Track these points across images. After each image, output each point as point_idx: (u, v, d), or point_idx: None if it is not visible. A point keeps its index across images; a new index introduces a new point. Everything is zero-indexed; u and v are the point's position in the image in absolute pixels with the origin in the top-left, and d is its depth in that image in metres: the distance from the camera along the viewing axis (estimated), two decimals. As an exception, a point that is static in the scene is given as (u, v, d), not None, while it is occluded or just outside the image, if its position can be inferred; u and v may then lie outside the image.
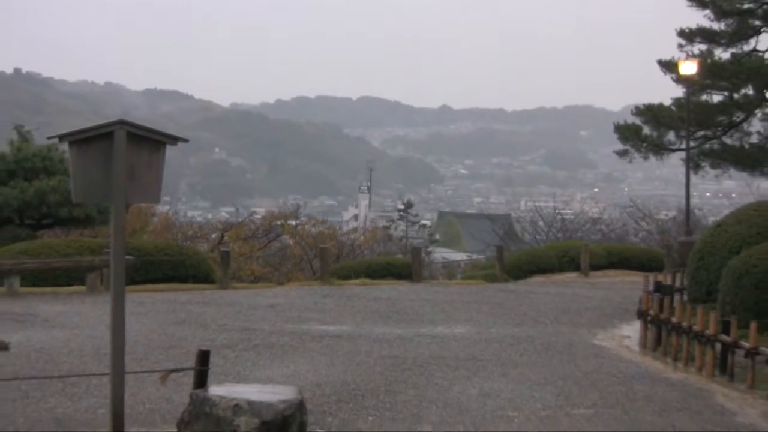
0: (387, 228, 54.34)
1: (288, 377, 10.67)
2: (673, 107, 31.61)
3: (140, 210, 32.35)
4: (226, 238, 34.94)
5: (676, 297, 16.20)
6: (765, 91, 30.06)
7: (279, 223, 39.10)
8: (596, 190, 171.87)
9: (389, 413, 9.15)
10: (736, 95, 30.58)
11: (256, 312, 17.19)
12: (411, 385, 10.47)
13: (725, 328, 11.49)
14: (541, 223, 44.54)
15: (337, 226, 47.96)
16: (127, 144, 6.91)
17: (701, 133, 31.58)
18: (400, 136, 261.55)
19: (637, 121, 32.59)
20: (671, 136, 32.34)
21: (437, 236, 61.20)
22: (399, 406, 9.46)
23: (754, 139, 31.66)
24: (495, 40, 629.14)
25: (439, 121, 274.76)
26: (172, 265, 22.57)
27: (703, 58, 29.87)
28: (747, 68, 29.21)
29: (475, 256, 48.75)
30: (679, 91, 31.40)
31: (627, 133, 32.59)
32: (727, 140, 31.74)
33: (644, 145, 32.41)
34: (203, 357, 7.34)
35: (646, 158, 33.46)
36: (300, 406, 7.12)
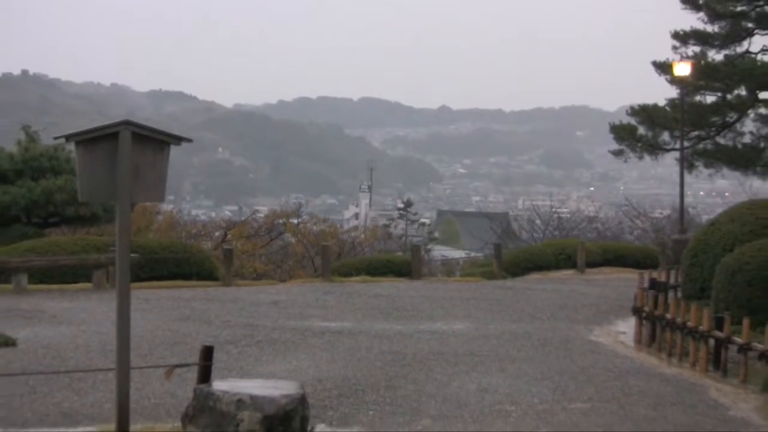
0: (387, 226, 54.29)
1: (290, 372, 10.67)
2: (667, 108, 31.62)
3: (145, 209, 32.34)
4: (229, 236, 34.95)
5: (671, 294, 16.21)
6: (758, 92, 30.06)
7: (281, 221, 39.11)
8: (592, 189, 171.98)
9: (389, 407, 9.15)
10: (729, 96, 30.60)
11: (259, 309, 17.19)
12: (411, 380, 10.48)
13: (718, 325, 11.50)
14: (538, 222, 44.54)
15: (338, 225, 47.97)
16: (132, 144, 6.91)
17: (695, 133, 31.59)
18: (400, 137, 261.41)
19: (633, 121, 32.60)
20: (666, 136, 32.36)
21: (436, 234, 61.18)
22: (399, 400, 9.46)
23: (747, 139, 31.68)
24: (493, 42, 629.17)
25: (439, 121, 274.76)
26: (177, 263, 22.58)
27: (697, 60, 29.88)
28: (740, 70, 29.22)
29: (473, 254, 48.81)
30: (673, 92, 31.45)
31: (622, 133, 32.60)
32: (721, 140, 31.76)
33: (639, 145, 32.43)
34: (207, 353, 7.34)
35: (641, 158, 33.48)
36: (302, 401, 7.12)
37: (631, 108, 32.71)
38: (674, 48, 31.12)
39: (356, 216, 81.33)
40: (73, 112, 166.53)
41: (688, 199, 34.03)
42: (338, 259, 29.96)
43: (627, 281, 21.65)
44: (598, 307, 18.09)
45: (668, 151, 32.55)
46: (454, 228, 72.20)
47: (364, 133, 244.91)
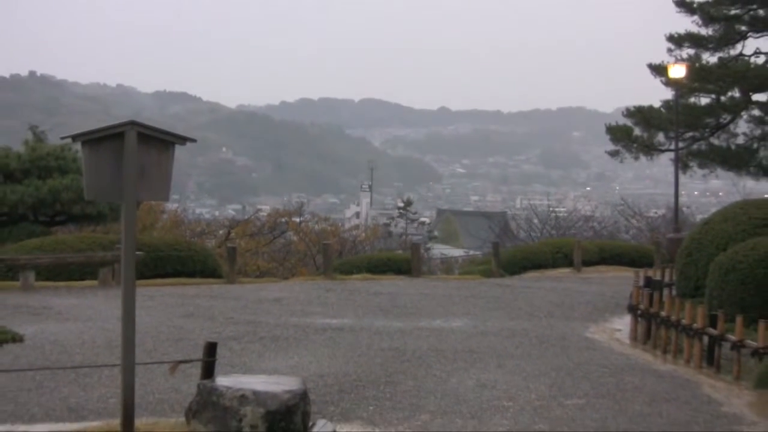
0: (387, 225, 54.19)
1: (292, 368, 10.67)
2: (662, 109, 31.65)
3: (150, 207, 32.31)
4: (232, 234, 34.93)
5: (665, 292, 16.21)
6: (751, 93, 30.10)
7: (284, 220, 39.08)
8: (589, 188, 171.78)
9: (389, 403, 9.15)
10: (723, 98, 30.64)
11: (262, 306, 17.19)
12: (410, 376, 10.48)
13: (712, 322, 11.50)
14: (535, 221, 44.48)
15: (339, 223, 47.86)
16: (138, 144, 6.90)
17: (689, 134, 31.62)
18: (400, 137, 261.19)
19: (628, 122, 32.63)
20: (661, 137, 32.39)
21: (436, 233, 61.09)
22: (399, 396, 9.46)
23: (740, 140, 31.72)
24: (492, 45, 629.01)
25: (438, 122, 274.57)
26: (181, 261, 22.58)
27: (692, 62, 29.90)
28: (733, 72, 29.24)
29: (472, 252, 48.74)
30: (668, 94, 31.48)
31: (618, 134, 32.63)
32: (715, 141, 31.79)
33: (635, 145, 32.45)
34: (210, 349, 7.34)
35: (636, 158, 33.52)
36: (303, 397, 7.12)
37: (627, 109, 32.74)
38: (669, 50, 31.17)
39: (357, 215, 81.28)
40: (79, 113, 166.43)
41: (682, 199, 34.04)
42: (339, 257, 29.97)
43: (623, 279, 21.64)
44: (595, 305, 18.09)
45: (663, 151, 32.58)
46: (453, 227, 72.08)
47: (364, 134, 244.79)
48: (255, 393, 6.83)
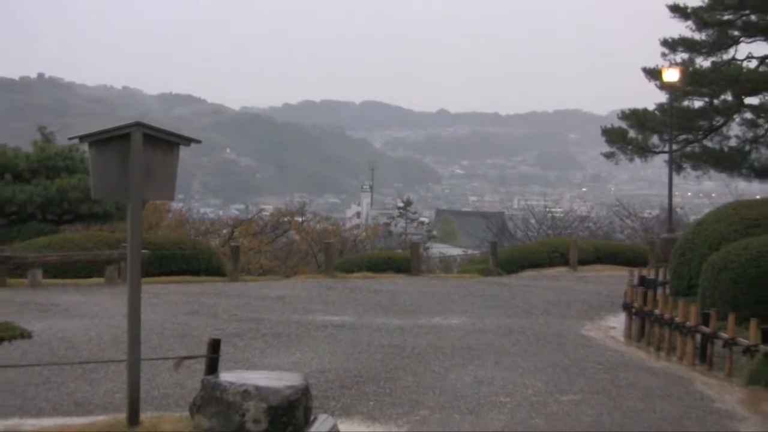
0: (387, 224, 54.11)
1: (294, 364, 10.67)
2: (656, 112, 31.65)
3: (156, 207, 32.30)
4: (236, 233, 34.91)
5: (659, 290, 16.19)
6: (743, 97, 30.10)
7: (286, 219, 39.04)
8: (584, 189, 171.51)
9: (389, 398, 9.15)
10: (716, 101, 30.64)
11: (264, 303, 17.19)
12: (410, 373, 10.48)
13: (705, 320, 11.49)
14: (532, 221, 44.45)
15: (340, 223, 47.84)
16: (144, 145, 6.91)
17: (683, 136, 31.61)
18: (400, 138, 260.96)
19: (623, 125, 32.62)
20: (655, 139, 32.39)
21: (435, 232, 60.98)
22: (398, 391, 9.46)
23: (733, 142, 31.71)
24: (490, 49, 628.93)
25: (437, 124, 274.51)
26: (186, 259, 22.60)
27: (685, 66, 29.91)
28: (726, 76, 29.25)
29: (470, 252, 48.69)
30: (662, 97, 31.51)
31: (614, 136, 32.63)
32: (708, 143, 31.79)
33: (630, 147, 32.45)
34: (214, 345, 7.34)
35: (631, 160, 33.51)
36: (305, 392, 7.12)
37: (622, 112, 32.72)
38: (663, 55, 31.17)
39: (358, 214, 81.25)
40: (86, 114, 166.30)
41: (676, 200, 34.02)
42: (340, 256, 29.95)
43: (617, 278, 21.64)
44: (590, 303, 18.09)
45: (657, 153, 32.58)
46: (452, 226, 72.02)
47: (365, 135, 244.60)
48: (258, 388, 6.84)
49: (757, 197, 21.98)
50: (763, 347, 10.41)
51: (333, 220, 43.77)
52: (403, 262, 25.08)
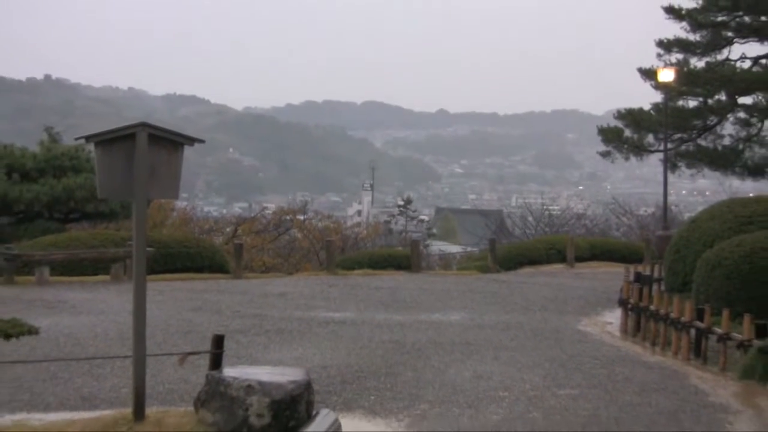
0: (388, 222, 54.19)
1: (296, 360, 10.68)
2: (652, 112, 31.59)
3: (160, 205, 32.30)
4: (239, 231, 34.89)
5: (655, 287, 16.20)
6: (736, 97, 30.06)
7: (288, 217, 39.03)
8: (581, 188, 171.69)
9: (389, 393, 9.16)
10: (710, 101, 30.59)
11: (267, 300, 17.20)
12: (410, 368, 10.48)
13: (699, 316, 11.50)
14: (530, 219, 44.44)
15: (342, 221, 47.83)
16: (148, 144, 6.90)
17: (678, 135, 31.56)
18: (401, 138, 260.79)
19: (619, 124, 32.55)
20: (650, 138, 32.32)
21: (434, 230, 61.07)
22: (399, 386, 9.47)
23: (727, 141, 31.66)
24: (488, 50, 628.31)
25: (437, 124, 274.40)
26: (190, 257, 22.59)
27: (680, 67, 29.85)
28: (720, 76, 29.20)
29: (469, 249, 48.68)
30: (657, 97, 31.41)
31: (610, 135, 32.57)
32: (702, 142, 31.73)
33: (625, 146, 32.39)
34: (218, 341, 7.34)
35: (627, 159, 33.44)
36: (307, 387, 7.13)
37: (618, 112, 32.66)
38: (658, 55, 31.10)
39: (359, 213, 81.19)
40: (92, 115, 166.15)
41: (671, 198, 33.99)
42: (342, 254, 29.94)
43: (614, 275, 21.63)
44: (587, 299, 18.09)
45: (653, 152, 32.51)
46: (452, 224, 72.01)
47: (366, 135, 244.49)
48: (261, 383, 6.84)
49: (751, 195, 21.94)
50: (756, 342, 10.41)
51: (334, 219, 43.79)
52: (404, 260, 25.08)
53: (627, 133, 32.34)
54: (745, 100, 30.46)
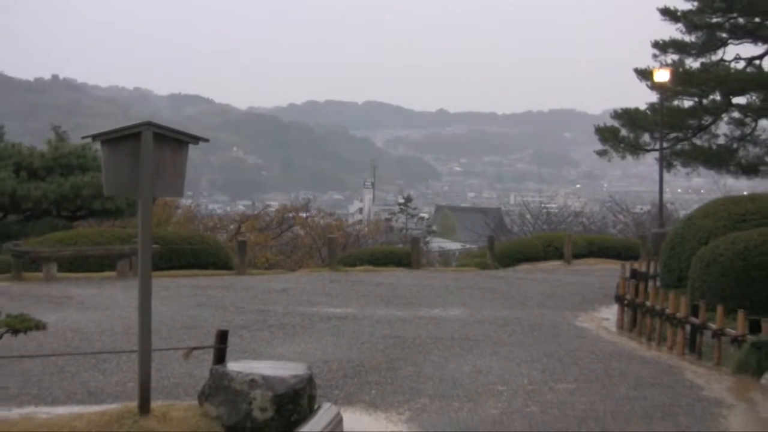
0: (389, 220, 54.24)
1: (299, 355, 10.67)
2: (648, 111, 31.62)
3: (165, 203, 32.30)
4: (243, 228, 34.89)
5: (650, 283, 16.18)
6: (731, 97, 30.07)
7: (291, 215, 39.05)
8: (578, 186, 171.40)
9: (390, 387, 9.15)
10: (705, 101, 30.62)
11: (270, 296, 17.19)
12: (410, 362, 10.48)
13: (694, 311, 11.49)
14: (528, 216, 44.46)
15: (343, 218, 47.86)
16: (154, 143, 6.90)
17: (673, 134, 31.59)
18: (401, 137, 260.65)
19: (616, 123, 32.59)
20: (646, 137, 32.36)
21: (434, 228, 61.11)
22: (399, 380, 9.47)
23: (721, 140, 31.69)
24: (487, 51, 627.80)
25: (437, 123, 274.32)
26: (194, 253, 22.58)
27: (676, 67, 29.89)
28: (715, 77, 29.23)
29: (468, 246, 48.67)
30: (653, 97, 31.46)
31: (606, 134, 32.61)
32: (697, 141, 31.77)
33: (622, 145, 32.43)
34: (222, 336, 7.35)
35: (623, 157, 33.48)
36: (309, 381, 7.13)
37: (615, 111, 32.70)
38: (654, 56, 31.16)
39: (360, 210, 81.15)
40: (99, 114, 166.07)
41: (666, 196, 33.97)
42: (343, 251, 29.95)
43: (610, 271, 21.63)
44: (584, 295, 18.08)
45: (648, 151, 32.55)
46: (451, 222, 72.00)
47: (367, 134, 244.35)
48: (264, 377, 6.84)
49: (745, 193, 21.96)
50: (750, 337, 10.41)
51: (336, 216, 43.78)
52: (404, 256, 25.08)
53: (623, 133, 32.38)
54: (740, 100, 30.50)
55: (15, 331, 7.35)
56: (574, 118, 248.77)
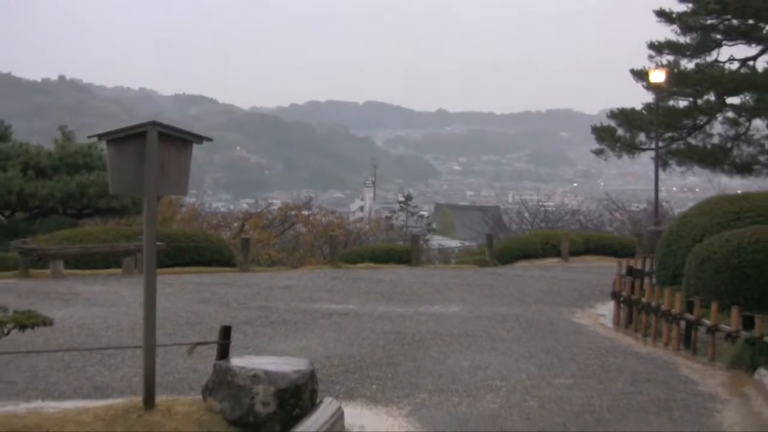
0: (389, 218, 54.19)
1: (300, 350, 10.67)
2: (643, 111, 31.56)
3: (170, 201, 32.31)
4: (246, 226, 34.91)
5: (646, 280, 16.19)
6: (725, 97, 30.02)
7: (293, 213, 39.06)
8: (575, 185, 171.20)
9: (390, 382, 9.15)
10: (699, 101, 30.55)
11: (273, 292, 17.19)
12: (410, 358, 10.47)
13: (689, 308, 11.49)
14: (526, 214, 44.44)
15: (344, 216, 47.82)
16: (158, 143, 6.89)
17: (669, 134, 31.52)
18: (402, 137, 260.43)
19: (612, 123, 32.52)
20: (642, 137, 32.28)
21: (434, 225, 61.02)
22: (399, 376, 9.46)
23: (716, 140, 31.61)
24: (485, 51, 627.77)
25: (436, 123, 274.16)
26: (198, 251, 22.60)
27: (671, 68, 29.82)
28: (709, 77, 29.17)
29: (467, 244, 48.68)
30: (649, 97, 31.36)
31: (603, 134, 32.54)
32: (692, 141, 31.70)
33: (618, 145, 32.36)
34: (225, 332, 7.34)
35: (619, 157, 33.42)
36: (311, 376, 7.13)
37: (611, 111, 32.63)
38: (650, 57, 31.07)
39: (361, 209, 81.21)
40: (104, 114, 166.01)
41: (662, 194, 33.95)
42: (345, 248, 29.94)
43: (606, 268, 21.62)
44: (580, 292, 18.07)
45: (644, 150, 32.48)
46: (450, 220, 71.99)
47: (368, 134, 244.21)
48: (266, 373, 6.84)
49: (739, 192, 21.95)
50: (744, 333, 10.41)
51: (338, 214, 43.77)
52: (404, 254, 25.07)
53: (619, 132, 32.31)
54: (734, 100, 30.43)
55: (23, 327, 7.36)
56: (571, 118, 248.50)
